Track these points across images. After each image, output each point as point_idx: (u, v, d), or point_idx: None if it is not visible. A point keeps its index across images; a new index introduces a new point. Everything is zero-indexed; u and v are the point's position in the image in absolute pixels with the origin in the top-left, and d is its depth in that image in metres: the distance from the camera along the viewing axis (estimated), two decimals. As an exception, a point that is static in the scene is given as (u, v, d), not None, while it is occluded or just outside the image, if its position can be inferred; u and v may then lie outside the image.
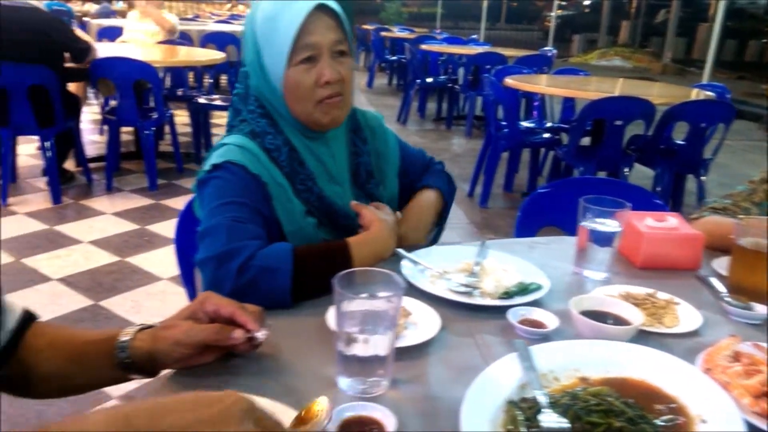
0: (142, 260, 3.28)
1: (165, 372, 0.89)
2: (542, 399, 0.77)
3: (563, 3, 16.62)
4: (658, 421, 0.77)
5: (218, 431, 0.54)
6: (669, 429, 0.76)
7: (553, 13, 13.51)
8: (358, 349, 0.82)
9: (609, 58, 15.70)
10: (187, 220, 1.52)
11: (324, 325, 0.98)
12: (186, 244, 1.53)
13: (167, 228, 3.72)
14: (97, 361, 0.88)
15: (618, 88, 4.37)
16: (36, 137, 4.03)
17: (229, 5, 14.47)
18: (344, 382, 0.84)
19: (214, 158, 1.19)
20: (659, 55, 15.91)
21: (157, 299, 2.88)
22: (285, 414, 0.74)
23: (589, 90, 4.07)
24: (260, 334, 0.86)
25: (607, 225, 1.21)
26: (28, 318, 0.93)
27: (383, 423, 0.75)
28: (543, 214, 1.85)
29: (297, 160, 1.24)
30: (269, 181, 1.19)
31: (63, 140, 4.08)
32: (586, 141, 4.18)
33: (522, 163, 4.94)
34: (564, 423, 0.73)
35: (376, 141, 1.41)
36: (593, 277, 1.23)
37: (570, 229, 1.65)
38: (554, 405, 0.77)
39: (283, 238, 1.20)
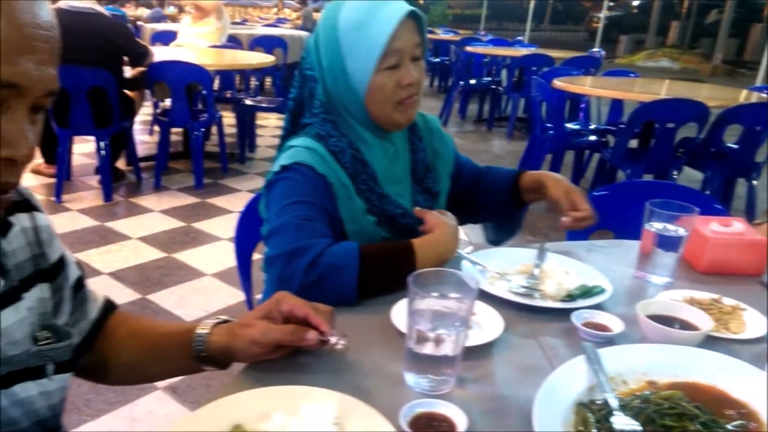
0: (187, 256, 3.36)
1: (237, 366, 0.92)
2: (613, 402, 0.77)
3: (611, 3, 16.34)
4: (729, 426, 0.76)
5: None
6: (742, 435, 0.75)
7: (601, 14, 13.30)
8: (428, 348, 0.83)
9: (656, 59, 15.38)
10: (246, 218, 1.55)
11: (388, 323, 0.99)
12: (245, 241, 1.57)
13: (212, 226, 3.80)
14: (174, 352, 0.92)
15: (668, 90, 4.28)
16: (90, 137, 4.16)
17: (275, 9, 14.67)
18: (412, 379, 0.86)
19: (283, 160, 1.22)
20: (709, 56, 15.51)
21: (202, 294, 2.95)
22: (357, 409, 0.76)
23: (639, 92, 4.00)
24: (340, 344, 0.87)
25: (673, 229, 1.20)
26: (109, 307, 0.98)
27: (454, 421, 0.76)
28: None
29: (360, 161, 1.26)
30: (334, 181, 1.21)
31: (117, 140, 4.20)
32: (633, 143, 4.11)
33: (564, 165, 4.88)
34: (636, 426, 0.73)
35: (434, 141, 1.43)
36: (657, 281, 1.21)
37: (622, 232, 1.63)
38: (625, 408, 0.77)
39: (345, 237, 1.23)
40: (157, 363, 0.96)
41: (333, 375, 0.87)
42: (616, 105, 5.10)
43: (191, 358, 0.90)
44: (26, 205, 0.83)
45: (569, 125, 4.83)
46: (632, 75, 5.18)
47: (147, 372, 0.98)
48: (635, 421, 0.74)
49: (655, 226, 1.21)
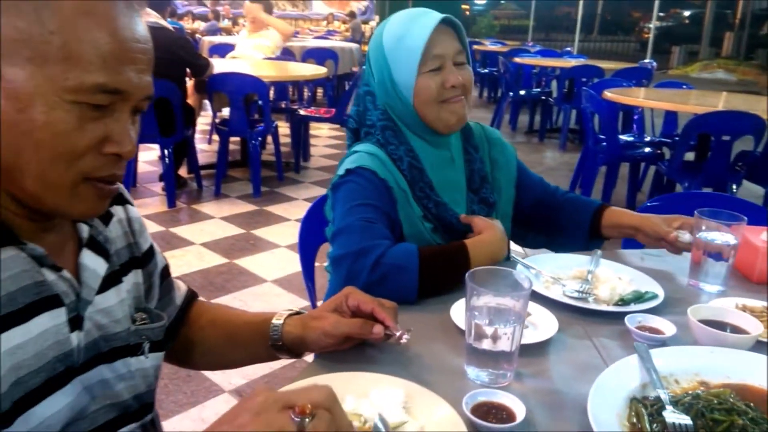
0: (248, 262, 3.49)
1: (309, 356, 1.00)
2: (665, 397, 0.82)
3: (661, 14, 16.06)
4: (780, 425, 0.79)
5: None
6: (792, 433, 0.79)
7: (651, 24, 13.10)
8: (487, 344, 0.90)
9: (711, 71, 15.02)
10: (309, 222, 1.64)
11: (449, 320, 1.06)
12: (308, 245, 1.65)
13: (270, 233, 3.93)
14: (253, 340, 1.00)
15: (724, 102, 4.22)
16: (154, 145, 4.35)
17: (325, 22, 14.99)
18: (472, 372, 0.92)
19: (347, 164, 1.31)
20: (766, 67, 15.04)
21: (263, 300, 3.06)
22: (422, 395, 0.83)
23: (693, 104, 3.96)
24: (404, 338, 0.93)
25: (723, 238, 1.23)
26: (192, 296, 1.07)
27: (513, 410, 0.82)
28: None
29: (417, 168, 1.34)
30: (394, 186, 1.30)
31: (178, 149, 4.40)
32: (690, 156, 4.06)
33: (620, 177, 4.85)
34: (686, 420, 0.78)
35: (492, 150, 1.49)
36: (708, 289, 1.24)
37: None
38: (676, 404, 0.82)
39: (403, 240, 1.30)
40: (236, 350, 1.05)
41: (398, 367, 0.94)
42: (671, 117, 5.04)
43: (268, 347, 0.99)
44: (120, 198, 0.93)
45: (623, 137, 4.80)
46: (685, 87, 5.11)
47: (227, 358, 1.07)
48: (686, 416, 0.79)
49: (704, 235, 1.24)
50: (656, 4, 12.98)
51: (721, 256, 1.23)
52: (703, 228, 1.24)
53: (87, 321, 0.80)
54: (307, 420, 0.57)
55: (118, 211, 0.91)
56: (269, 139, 5.44)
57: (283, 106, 5.90)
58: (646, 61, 7.79)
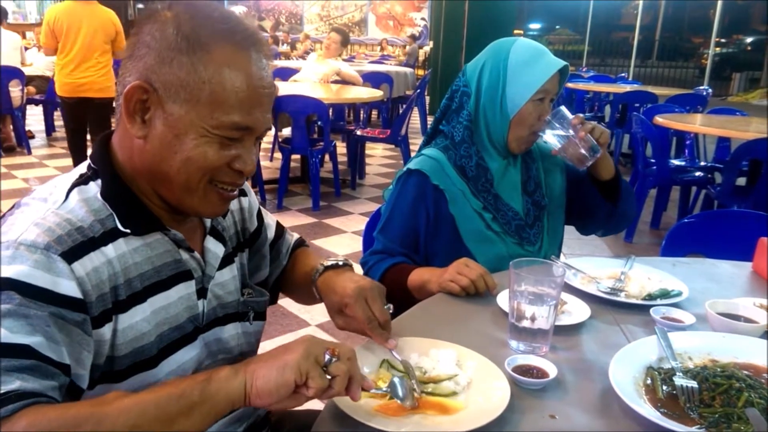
0: (309, 271, 3.75)
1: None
2: (676, 366, 0.98)
3: (722, 40, 15.84)
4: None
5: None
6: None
7: (709, 50, 12.96)
8: (527, 322, 1.07)
9: (772, 98, 14.67)
10: (369, 232, 1.84)
11: (496, 306, 1.25)
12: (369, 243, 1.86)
13: (329, 243, 4.14)
14: (308, 288, 1.17)
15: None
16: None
17: (379, 47, 15.42)
18: (514, 344, 1.10)
19: (412, 164, 1.57)
20: (833, 94, 14.60)
21: (322, 303, 3.30)
22: (471, 356, 1.01)
23: (742, 130, 4.02)
24: (392, 343, 1.04)
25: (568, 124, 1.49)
26: (295, 248, 1.30)
27: (546, 370, 0.99)
28: (688, 242, 1.98)
29: (482, 167, 1.56)
30: (447, 188, 1.53)
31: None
32: (741, 181, 4.11)
33: (671, 202, 4.90)
34: (693, 383, 0.94)
35: (545, 162, 1.69)
36: (550, 141, 1.52)
37: (713, 257, 1.78)
38: (686, 373, 0.97)
39: (458, 233, 1.53)
40: (303, 292, 1.22)
41: (453, 337, 1.10)
42: (723, 143, 5.07)
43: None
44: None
45: (674, 161, 4.87)
46: (738, 113, 5.14)
47: (303, 298, 1.26)
48: (693, 381, 0.94)
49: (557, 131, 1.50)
50: (714, 30, 12.88)
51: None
52: (557, 124, 1.50)
53: (209, 292, 1.02)
54: (334, 359, 0.81)
55: (233, 203, 1.13)
56: (327, 157, 5.71)
57: (340, 126, 6.17)
58: (701, 87, 7.76)
